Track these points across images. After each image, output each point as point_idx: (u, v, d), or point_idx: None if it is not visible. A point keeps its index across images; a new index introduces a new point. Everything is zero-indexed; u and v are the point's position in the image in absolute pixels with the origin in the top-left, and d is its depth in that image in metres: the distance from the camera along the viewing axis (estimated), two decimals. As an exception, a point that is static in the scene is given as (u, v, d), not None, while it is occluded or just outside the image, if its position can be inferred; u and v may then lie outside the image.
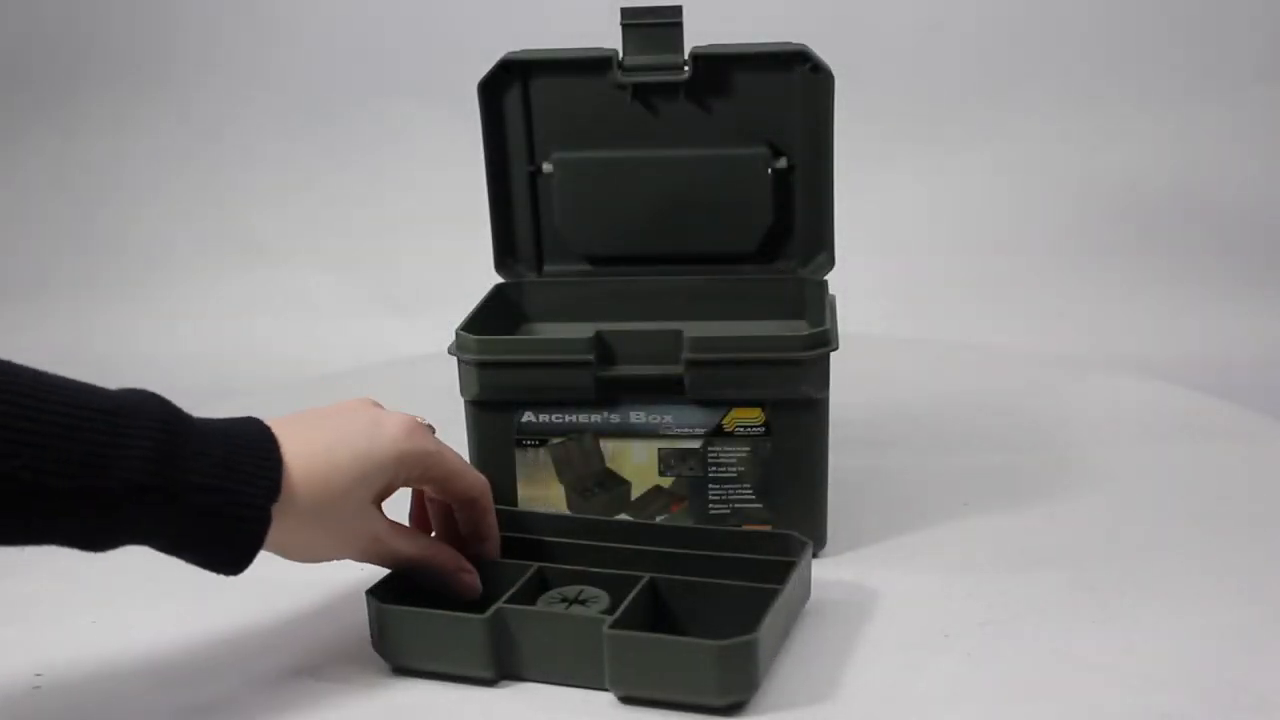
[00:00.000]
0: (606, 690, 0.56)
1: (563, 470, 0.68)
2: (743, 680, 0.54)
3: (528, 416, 0.68)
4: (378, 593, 0.59)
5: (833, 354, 0.66)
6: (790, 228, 0.77)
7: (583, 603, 0.60)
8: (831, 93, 0.73)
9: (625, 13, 0.74)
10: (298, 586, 0.68)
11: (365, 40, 2.10)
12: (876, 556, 0.70)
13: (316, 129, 2.04)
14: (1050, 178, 2.07)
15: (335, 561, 0.59)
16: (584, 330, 0.66)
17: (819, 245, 0.77)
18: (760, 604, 0.56)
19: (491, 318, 0.73)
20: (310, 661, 0.61)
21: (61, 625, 0.65)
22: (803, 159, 0.76)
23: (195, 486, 0.51)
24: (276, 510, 0.53)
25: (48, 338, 1.89)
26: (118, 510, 0.49)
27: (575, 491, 0.69)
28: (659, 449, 0.68)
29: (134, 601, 0.68)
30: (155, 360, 2.04)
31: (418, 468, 0.59)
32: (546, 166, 0.78)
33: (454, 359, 0.68)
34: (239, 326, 1.99)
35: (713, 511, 0.68)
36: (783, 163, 0.76)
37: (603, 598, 0.60)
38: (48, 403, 0.48)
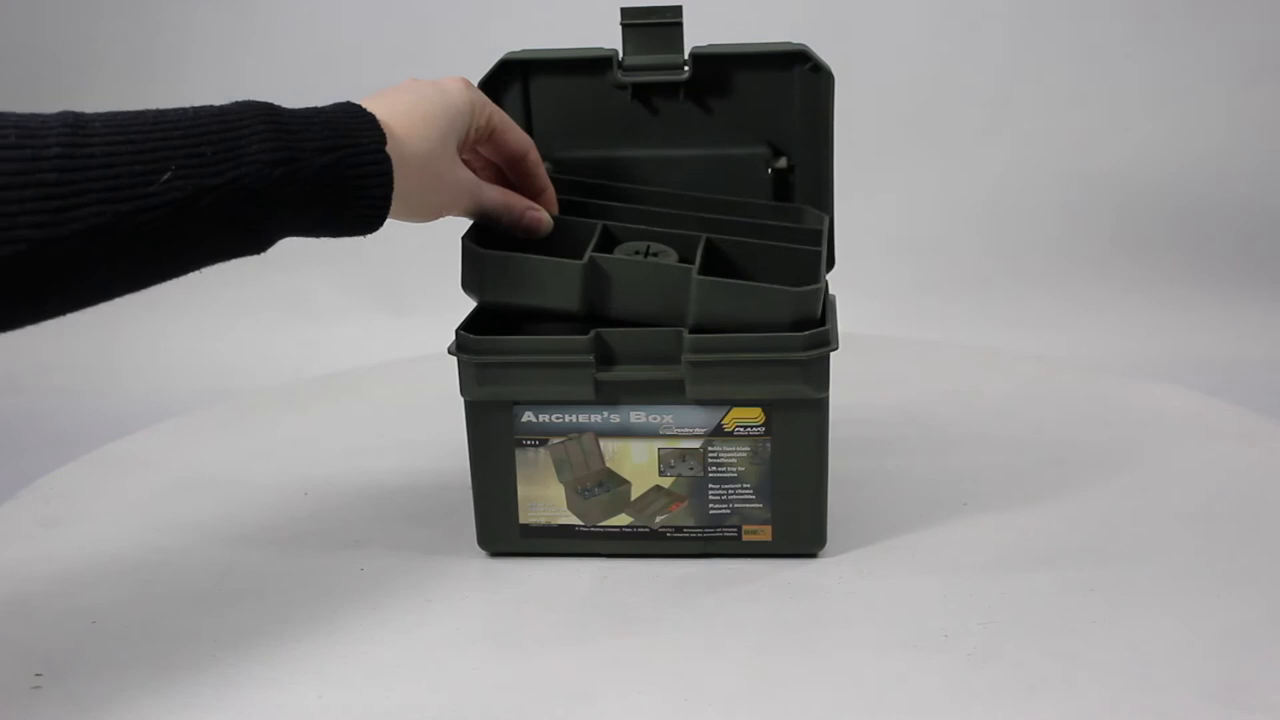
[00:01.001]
0: (683, 328, 0.65)
1: (563, 470, 0.68)
2: (810, 314, 0.65)
3: (528, 416, 0.68)
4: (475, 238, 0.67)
5: (833, 354, 0.66)
6: None
7: (654, 255, 0.69)
8: (831, 93, 0.73)
9: (625, 13, 0.74)
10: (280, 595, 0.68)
11: (365, 40, 2.10)
12: (876, 556, 0.70)
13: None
14: (1050, 178, 2.07)
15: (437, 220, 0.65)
16: (584, 328, 0.66)
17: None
18: (809, 263, 0.68)
19: (492, 318, 0.73)
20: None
21: (62, 626, 0.65)
22: (803, 159, 0.76)
23: (315, 149, 0.56)
24: (392, 154, 0.58)
25: (48, 337, 1.90)
26: (259, 194, 0.54)
27: (575, 491, 0.69)
28: (659, 449, 0.68)
29: (134, 602, 0.68)
30: (155, 360, 2.04)
31: (483, 115, 0.65)
32: (546, 166, 0.78)
33: (454, 359, 0.68)
34: (239, 326, 1.99)
35: (712, 511, 0.68)
36: (783, 162, 0.76)
37: (670, 252, 0.69)
38: (171, 122, 0.53)
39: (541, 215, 0.69)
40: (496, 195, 0.67)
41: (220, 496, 0.82)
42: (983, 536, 0.72)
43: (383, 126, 0.59)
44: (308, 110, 0.58)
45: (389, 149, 0.58)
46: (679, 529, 0.69)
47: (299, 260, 2.00)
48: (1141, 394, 0.98)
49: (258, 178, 0.53)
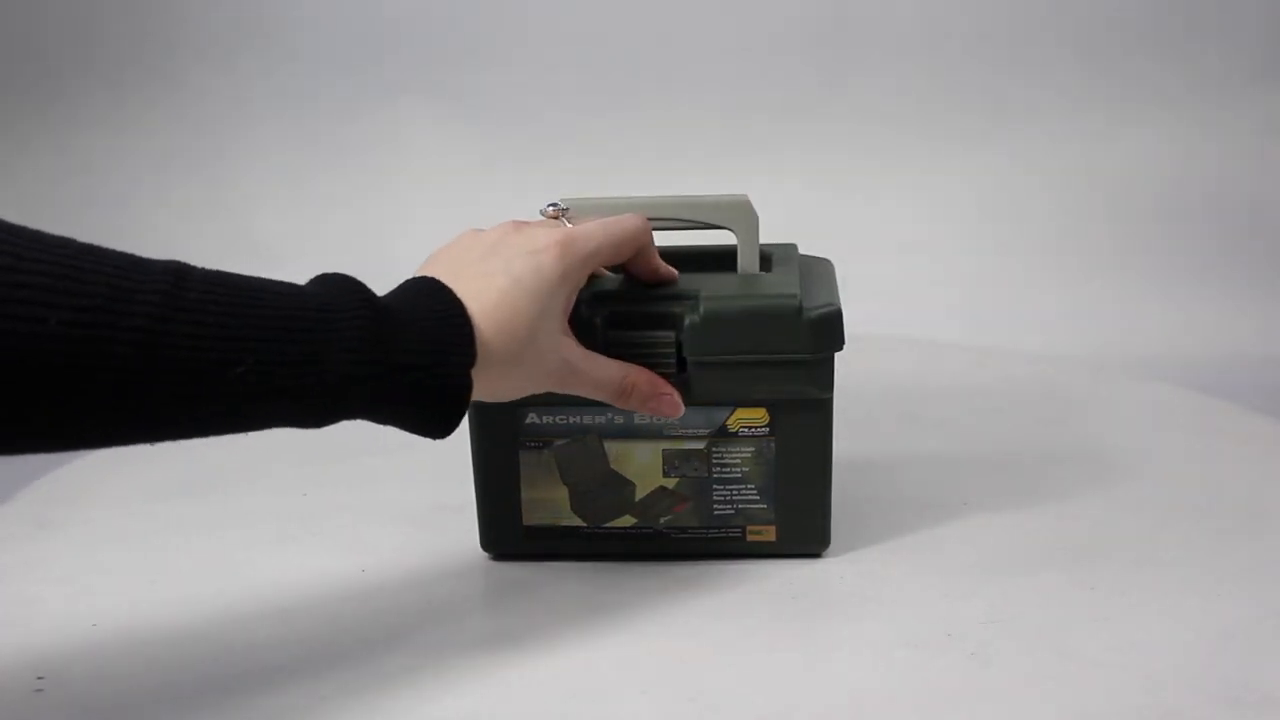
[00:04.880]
0: None
1: (566, 472, 0.68)
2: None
3: (532, 418, 0.68)
4: None
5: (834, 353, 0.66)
6: None
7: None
8: None
9: None
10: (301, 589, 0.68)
11: (366, 40, 2.10)
12: (877, 556, 0.70)
13: (317, 129, 2.04)
14: (1050, 178, 2.07)
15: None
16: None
17: None
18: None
19: None
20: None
21: (63, 628, 0.65)
22: None
23: (402, 367, 0.54)
24: (476, 372, 0.56)
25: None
26: (335, 399, 0.52)
27: (579, 493, 0.69)
28: (663, 450, 0.68)
29: (135, 604, 0.68)
30: (155, 361, 2.04)
31: (583, 271, 0.61)
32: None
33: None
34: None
35: (717, 512, 0.68)
36: None
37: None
38: (262, 305, 0.51)
39: (670, 399, 0.64)
40: (613, 375, 0.63)
41: (220, 497, 0.82)
42: (983, 536, 0.72)
43: (474, 332, 0.55)
44: (400, 304, 0.55)
45: (475, 369, 0.56)
46: (683, 530, 0.69)
47: (299, 260, 2.00)
48: (1141, 393, 0.98)
49: (335, 385, 0.52)
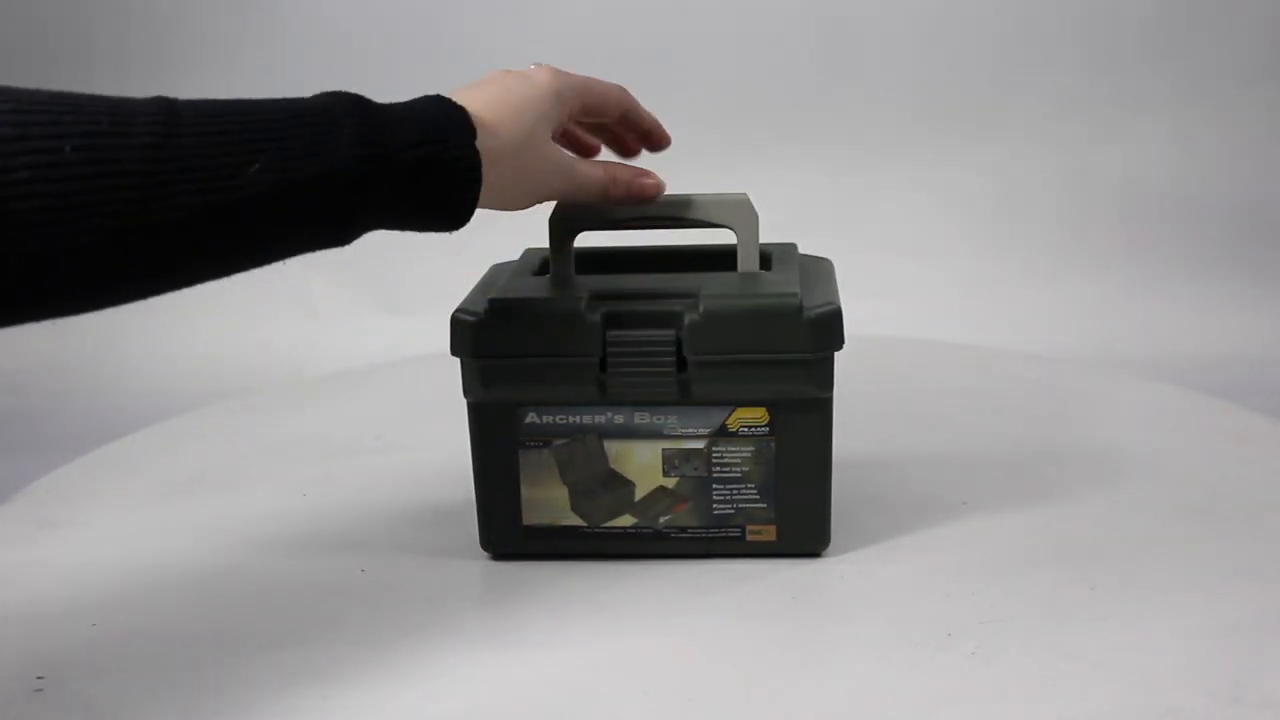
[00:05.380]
0: None
1: (566, 472, 0.68)
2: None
3: (531, 418, 0.68)
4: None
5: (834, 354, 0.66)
6: None
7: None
8: None
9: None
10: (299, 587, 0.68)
11: (365, 40, 2.10)
12: (877, 556, 0.70)
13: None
14: (1050, 178, 2.07)
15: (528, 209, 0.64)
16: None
17: None
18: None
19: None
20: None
21: (63, 628, 0.65)
22: None
23: (405, 144, 0.55)
24: (482, 148, 0.58)
25: (48, 338, 1.90)
26: (348, 189, 0.54)
27: (579, 493, 0.69)
28: (663, 449, 0.68)
29: (135, 604, 0.68)
30: (155, 360, 2.04)
31: (574, 101, 0.65)
32: None
33: (455, 359, 0.68)
34: (239, 326, 1.99)
35: (717, 511, 0.68)
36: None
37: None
38: (261, 114, 0.52)
39: (652, 181, 0.68)
40: (598, 172, 0.66)
41: (220, 497, 0.82)
42: (983, 536, 0.72)
43: (473, 120, 0.58)
44: (397, 105, 0.57)
45: (479, 143, 0.58)
46: (683, 530, 0.69)
47: (299, 260, 2.00)
48: (1140, 393, 0.98)
49: (346, 172, 0.53)
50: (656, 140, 0.71)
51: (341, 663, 0.61)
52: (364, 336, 1.96)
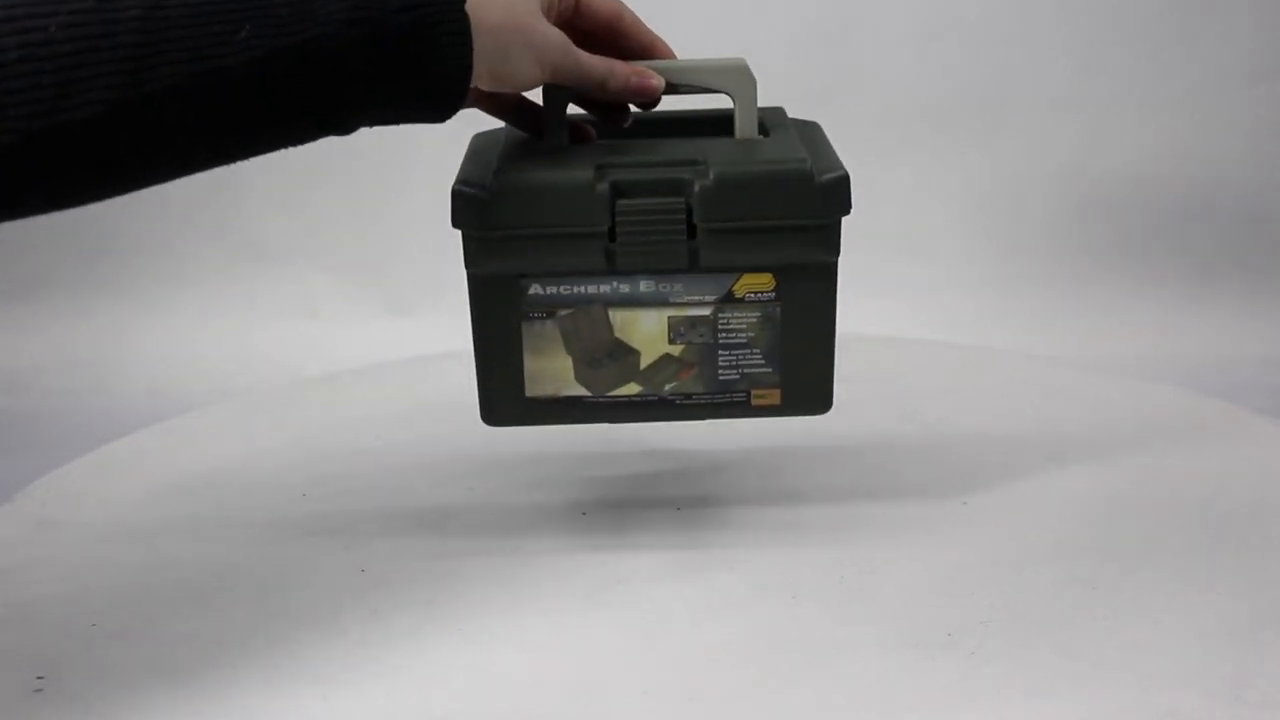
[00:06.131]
0: None
1: (571, 342, 0.67)
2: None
3: (535, 289, 0.67)
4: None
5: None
6: None
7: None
8: None
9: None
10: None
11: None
12: (877, 555, 0.70)
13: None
14: (1050, 178, 2.07)
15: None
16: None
17: None
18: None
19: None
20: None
21: (62, 628, 0.65)
22: None
23: (394, 9, 0.55)
24: (472, 13, 0.57)
25: (48, 338, 1.89)
26: (338, 56, 0.53)
27: (584, 363, 0.68)
28: (669, 317, 0.67)
29: (134, 604, 0.68)
30: (155, 360, 2.04)
31: None
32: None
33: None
34: (239, 327, 1.99)
35: (722, 377, 0.68)
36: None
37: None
38: None
39: (653, 77, 0.66)
40: (597, 60, 0.65)
41: (220, 497, 0.82)
42: (983, 536, 0.72)
43: None
44: None
45: (468, 7, 0.57)
46: (688, 396, 0.69)
47: (299, 260, 2.00)
48: (1140, 393, 0.98)
49: (335, 39, 0.53)
50: (660, 56, 0.69)
51: (341, 663, 0.61)
52: (364, 336, 1.96)
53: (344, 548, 0.73)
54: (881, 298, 1.87)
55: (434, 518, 0.76)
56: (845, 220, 0.67)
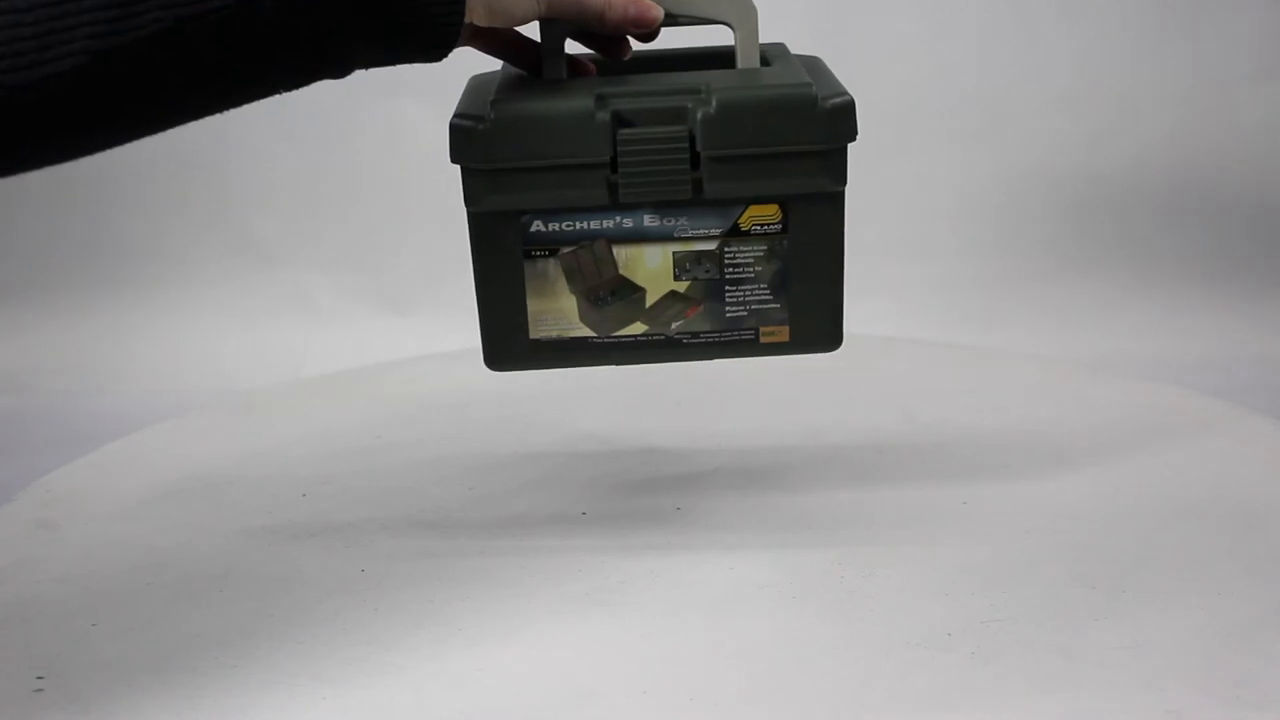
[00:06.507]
0: None
1: (574, 279, 0.66)
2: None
3: (536, 225, 0.66)
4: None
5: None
6: None
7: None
8: None
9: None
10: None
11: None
12: (877, 555, 0.70)
13: (316, 128, 2.04)
14: (1050, 177, 2.07)
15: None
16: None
17: None
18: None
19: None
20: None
21: (63, 628, 0.65)
22: None
23: None
24: None
25: (48, 338, 1.89)
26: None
27: (587, 301, 0.67)
28: (673, 252, 0.66)
29: (135, 604, 0.68)
30: (155, 360, 2.04)
31: None
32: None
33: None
34: (239, 326, 1.99)
35: (729, 314, 0.67)
36: None
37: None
38: None
39: (652, 7, 0.65)
40: None
41: (220, 497, 0.82)
42: (983, 536, 0.72)
43: None
44: None
45: None
46: (695, 335, 0.68)
47: (299, 260, 2.00)
48: (1140, 393, 0.98)
49: None
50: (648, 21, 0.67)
51: (341, 663, 0.61)
52: (364, 336, 1.96)
53: (344, 547, 0.73)
54: (881, 298, 1.87)
55: (434, 518, 0.76)
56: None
